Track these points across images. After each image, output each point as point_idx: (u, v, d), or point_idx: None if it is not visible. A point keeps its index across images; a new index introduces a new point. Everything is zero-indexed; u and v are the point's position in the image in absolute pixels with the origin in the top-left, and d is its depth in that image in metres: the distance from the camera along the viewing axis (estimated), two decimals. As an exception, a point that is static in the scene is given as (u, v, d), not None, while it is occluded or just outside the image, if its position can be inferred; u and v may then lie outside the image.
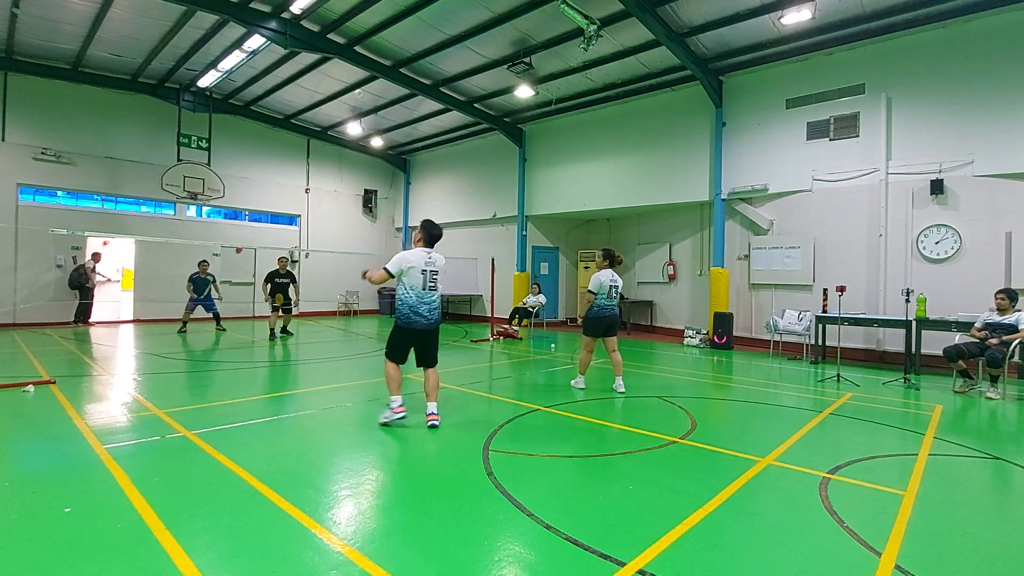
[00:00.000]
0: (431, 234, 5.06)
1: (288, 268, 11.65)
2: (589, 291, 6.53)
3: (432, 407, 4.92)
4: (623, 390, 6.44)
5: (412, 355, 5.04)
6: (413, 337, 4.97)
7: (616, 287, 6.57)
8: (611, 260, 6.63)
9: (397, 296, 4.99)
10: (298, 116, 16.26)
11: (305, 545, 2.64)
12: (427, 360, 5.06)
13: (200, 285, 12.02)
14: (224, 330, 12.18)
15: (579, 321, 6.85)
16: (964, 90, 8.69)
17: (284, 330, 11.71)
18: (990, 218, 8.45)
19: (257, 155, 16.41)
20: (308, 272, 17.28)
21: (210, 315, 12.19)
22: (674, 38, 9.84)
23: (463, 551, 2.62)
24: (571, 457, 4.08)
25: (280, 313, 11.39)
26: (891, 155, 9.33)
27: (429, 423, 4.84)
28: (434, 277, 4.98)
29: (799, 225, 10.50)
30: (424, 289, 4.92)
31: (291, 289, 11.44)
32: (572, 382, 6.83)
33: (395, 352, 5.00)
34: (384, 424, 4.87)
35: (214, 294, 12.22)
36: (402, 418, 4.89)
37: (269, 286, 11.24)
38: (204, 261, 12.32)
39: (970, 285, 8.50)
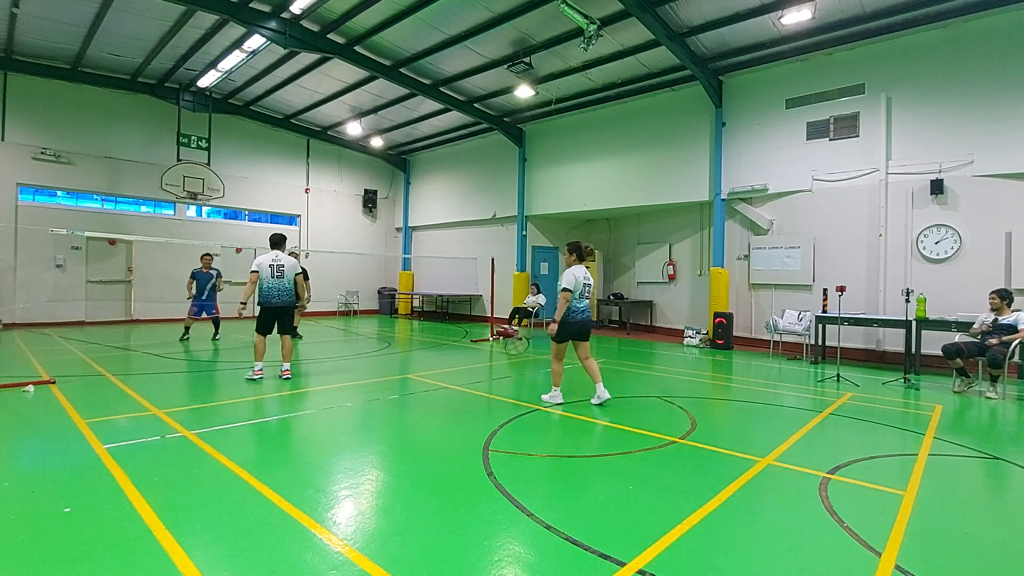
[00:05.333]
0: (273, 242, 7.01)
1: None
2: (564, 289, 5.55)
3: (287, 365, 6.92)
4: (607, 396, 5.68)
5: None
6: (274, 313, 6.81)
7: (588, 285, 5.75)
8: (579, 254, 5.79)
9: (258, 287, 6.73)
10: (298, 116, 16.27)
11: (305, 545, 2.64)
12: (284, 329, 6.97)
13: (202, 281, 10.72)
14: (217, 338, 10.88)
15: (549, 327, 5.69)
16: (964, 90, 8.69)
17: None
18: (990, 218, 8.46)
19: (257, 155, 16.41)
20: (308, 272, 17.28)
21: (209, 318, 10.97)
22: (674, 38, 9.84)
23: (463, 551, 2.62)
24: (571, 457, 4.08)
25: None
26: (891, 155, 9.34)
27: (284, 376, 6.80)
28: (280, 269, 6.74)
29: (799, 225, 10.50)
30: (272, 278, 6.71)
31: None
32: (545, 397, 5.88)
33: (263, 327, 6.81)
34: (250, 379, 6.62)
35: (219, 289, 11.00)
36: (260, 379, 6.65)
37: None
38: (207, 255, 11.08)
39: (970, 285, 8.51)
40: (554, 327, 5.60)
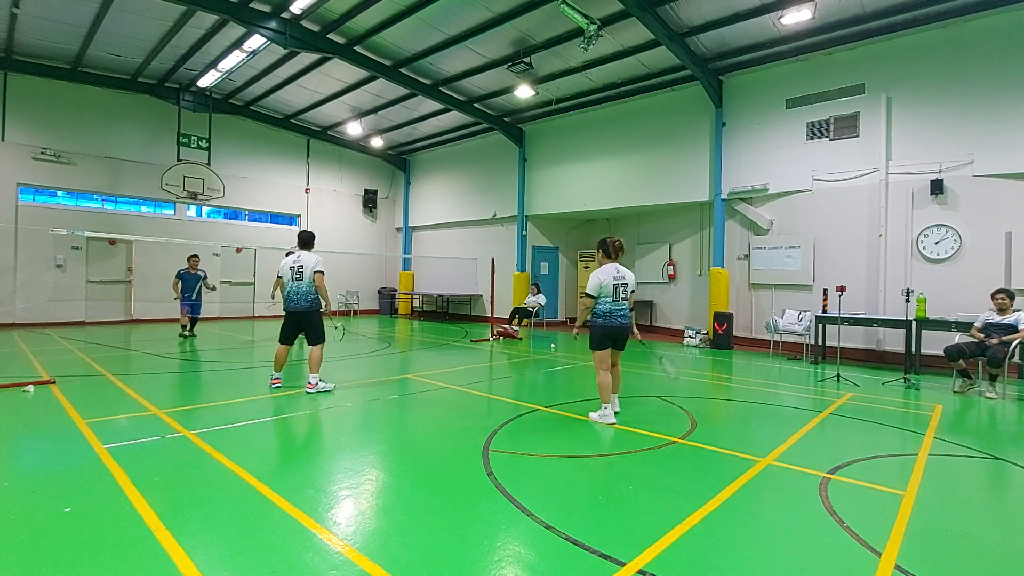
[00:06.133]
0: (301, 239, 6.48)
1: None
2: (586, 295, 5.15)
3: (312, 378, 6.13)
4: (617, 409, 5.27)
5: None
6: (293, 319, 6.26)
7: (623, 286, 5.11)
8: (608, 252, 5.22)
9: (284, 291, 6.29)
10: (298, 116, 16.27)
11: (305, 545, 2.64)
12: (309, 338, 6.30)
13: (190, 282, 11.13)
14: (194, 336, 11.10)
15: (574, 332, 5.47)
16: (964, 90, 8.69)
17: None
18: (990, 218, 8.46)
19: (257, 155, 16.42)
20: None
21: (185, 316, 11.10)
22: (674, 38, 9.84)
23: (463, 551, 2.62)
24: (571, 457, 4.08)
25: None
26: (891, 155, 9.34)
27: (308, 390, 6.08)
28: (299, 271, 6.21)
29: (799, 225, 10.50)
30: (292, 280, 6.22)
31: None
32: (593, 415, 5.17)
33: (283, 334, 6.31)
34: (275, 387, 6.26)
35: (205, 290, 11.44)
36: (277, 388, 6.26)
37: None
38: (194, 256, 11.43)
39: (970, 285, 8.50)
40: (576, 331, 5.43)
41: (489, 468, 3.76)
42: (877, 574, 2.47)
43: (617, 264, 5.20)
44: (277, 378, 6.36)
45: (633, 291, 5.27)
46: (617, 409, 5.30)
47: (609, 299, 5.08)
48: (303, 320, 6.25)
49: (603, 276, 5.08)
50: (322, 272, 6.28)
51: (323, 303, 6.39)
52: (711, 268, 11.74)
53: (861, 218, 9.67)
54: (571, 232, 16.49)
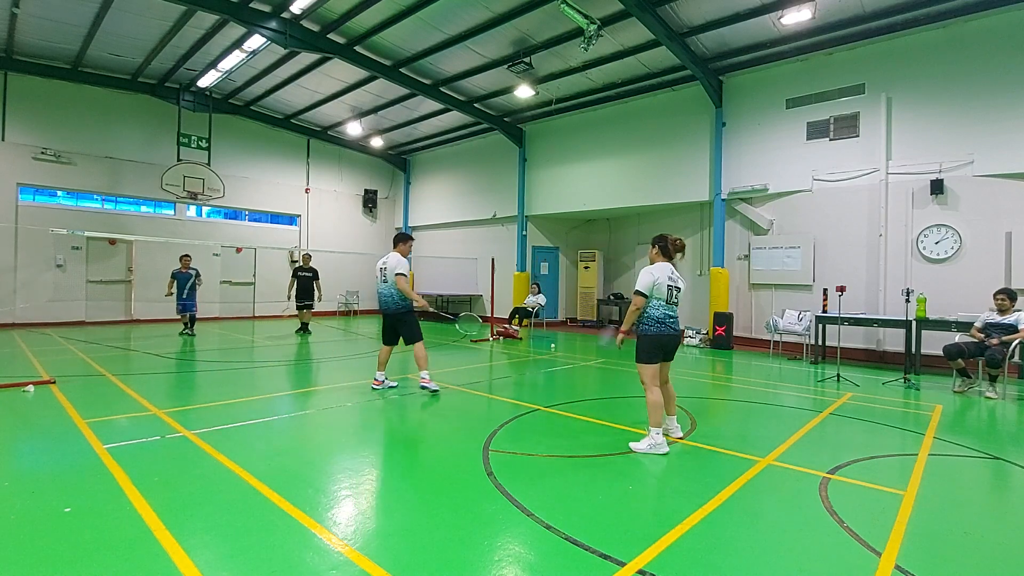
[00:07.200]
0: (394, 240, 6.42)
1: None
2: (637, 292, 4.37)
3: (423, 374, 6.18)
4: (679, 435, 4.57)
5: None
6: (386, 321, 6.31)
7: (678, 289, 4.45)
8: (666, 249, 4.51)
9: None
10: (298, 116, 16.27)
11: (305, 545, 2.64)
12: (406, 339, 6.25)
13: (182, 281, 11.33)
14: (194, 335, 11.27)
15: (619, 341, 4.53)
16: (964, 90, 8.69)
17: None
18: (990, 218, 8.45)
19: (257, 155, 16.41)
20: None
21: (185, 315, 11.37)
22: (674, 38, 9.84)
23: (463, 551, 2.62)
24: (571, 457, 4.08)
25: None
26: (891, 155, 9.33)
27: (422, 385, 6.16)
28: (383, 272, 6.22)
29: (799, 225, 10.49)
30: (380, 282, 6.26)
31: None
32: (639, 446, 4.23)
33: (383, 335, 6.32)
34: (373, 388, 6.30)
35: (198, 287, 11.61)
36: (377, 388, 6.30)
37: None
38: (186, 255, 11.57)
39: (970, 285, 8.50)
40: (620, 337, 4.50)
41: (489, 468, 3.76)
42: (877, 574, 2.47)
43: (671, 265, 4.53)
44: (377, 379, 6.32)
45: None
46: (679, 434, 4.58)
47: (663, 302, 4.38)
48: (395, 322, 6.22)
49: (658, 274, 4.37)
50: (403, 275, 6.09)
51: (413, 303, 6.23)
52: (711, 268, 11.74)
53: (861, 218, 9.67)
54: (571, 232, 16.49)
